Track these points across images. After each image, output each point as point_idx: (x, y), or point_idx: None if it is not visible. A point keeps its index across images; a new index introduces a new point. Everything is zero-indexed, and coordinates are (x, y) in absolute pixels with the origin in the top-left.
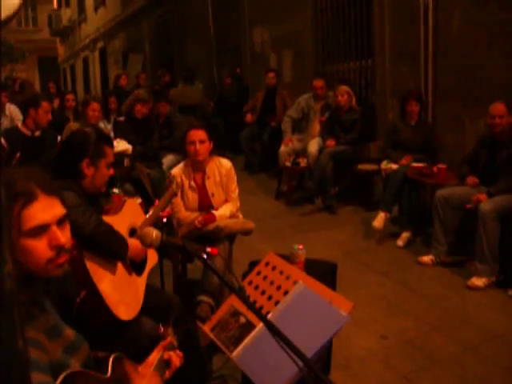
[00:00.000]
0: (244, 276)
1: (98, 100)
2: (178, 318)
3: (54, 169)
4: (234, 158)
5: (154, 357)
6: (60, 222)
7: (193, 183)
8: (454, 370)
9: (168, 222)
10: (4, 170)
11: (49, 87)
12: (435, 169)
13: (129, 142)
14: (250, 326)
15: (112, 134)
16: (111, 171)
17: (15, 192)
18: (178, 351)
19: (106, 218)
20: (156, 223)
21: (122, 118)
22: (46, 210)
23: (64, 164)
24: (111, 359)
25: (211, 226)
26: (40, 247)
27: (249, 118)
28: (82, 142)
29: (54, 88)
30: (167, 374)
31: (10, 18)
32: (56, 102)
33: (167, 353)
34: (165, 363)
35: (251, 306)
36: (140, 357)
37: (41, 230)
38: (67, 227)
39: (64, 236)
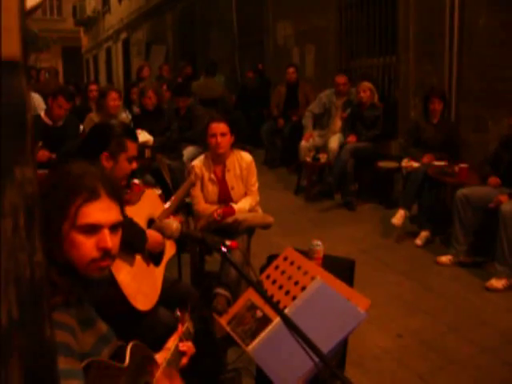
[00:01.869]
0: (262, 270)
1: (116, 89)
2: (195, 307)
3: (76, 158)
4: (255, 151)
5: (171, 344)
6: (113, 228)
7: (213, 176)
8: (469, 372)
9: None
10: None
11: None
12: (456, 168)
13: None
14: (266, 320)
15: (132, 125)
16: (134, 165)
17: (81, 185)
18: (187, 342)
19: (125, 209)
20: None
21: (137, 110)
22: (103, 211)
23: (85, 154)
24: (129, 348)
25: (230, 219)
26: (87, 245)
27: (281, 123)
28: (104, 134)
29: (74, 91)
30: (184, 360)
31: (35, 8)
32: (77, 100)
33: (183, 344)
34: (180, 351)
35: (268, 300)
36: (157, 347)
37: (93, 228)
38: (118, 235)
39: (113, 241)
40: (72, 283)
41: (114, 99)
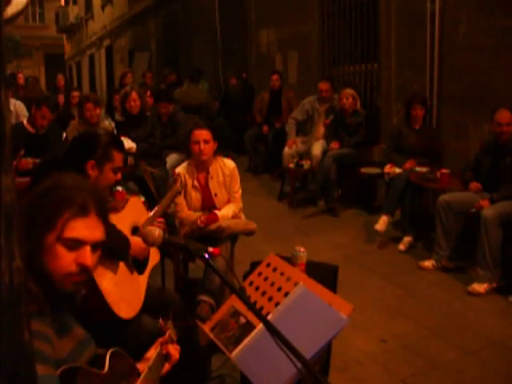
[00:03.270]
0: (245, 276)
1: (91, 99)
2: (178, 315)
3: (61, 165)
4: (238, 158)
5: (152, 353)
6: (95, 246)
7: (196, 183)
8: (452, 376)
9: (170, 221)
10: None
11: (58, 79)
12: (438, 174)
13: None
14: (249, 327)
15: (115, 132)
16: (118, 176)
17: (73, 199)
18: (175, 344)
19: (109, 216)
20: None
21: (120, 117)
22: (89, 228)
23: (70, 161)
24: (108, 355)
25: (213, 226)
26: (67, 258)
27: (265, 129)
28: (91, 142)
29: (63, 80)
30: (167, 366)
31: (17, 15)
32: (61, 99)
33: (165, 347)
34: (163, 359)
35: (251, 306)
36: (140, 355)
37: (76, 244)
38: (98, 254)
39: (92, 259)
40: (46, 293)
41: (89, 110)
